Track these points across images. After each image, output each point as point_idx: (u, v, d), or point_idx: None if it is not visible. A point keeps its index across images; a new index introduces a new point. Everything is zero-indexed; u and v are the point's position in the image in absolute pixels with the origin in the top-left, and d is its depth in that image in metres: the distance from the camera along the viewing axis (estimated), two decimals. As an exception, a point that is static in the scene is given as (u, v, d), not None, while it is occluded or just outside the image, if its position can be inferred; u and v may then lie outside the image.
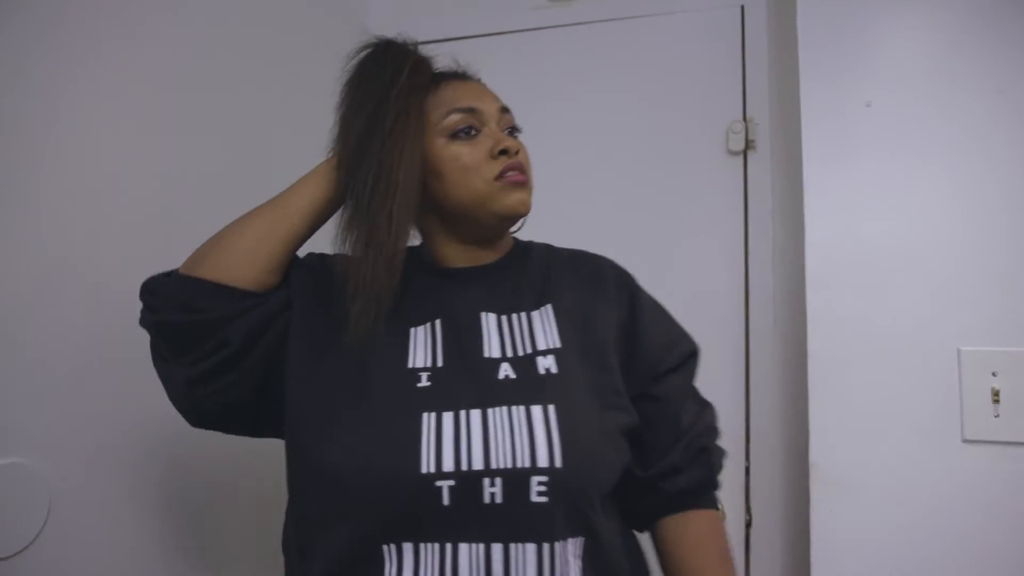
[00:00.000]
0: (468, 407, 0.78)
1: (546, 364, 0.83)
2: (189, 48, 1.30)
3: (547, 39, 1.89)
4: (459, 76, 0.97)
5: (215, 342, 0.84)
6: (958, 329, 1.31)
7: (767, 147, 1.72)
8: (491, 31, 1.94)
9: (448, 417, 0.77)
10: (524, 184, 0.89)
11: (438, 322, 0.89)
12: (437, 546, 0.74)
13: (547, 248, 1.02)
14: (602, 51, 1.87)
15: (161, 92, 1.22)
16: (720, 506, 0.94)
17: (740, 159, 1.75)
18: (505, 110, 0.94)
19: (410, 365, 0.84)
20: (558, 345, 0.86)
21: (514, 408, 0.78)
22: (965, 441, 1.28)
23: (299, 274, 0.92)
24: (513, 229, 0.98)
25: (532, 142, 0.98)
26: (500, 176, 0.88)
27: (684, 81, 1.81)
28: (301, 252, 0.95)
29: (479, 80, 0.99)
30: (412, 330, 0.88)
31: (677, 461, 0.90)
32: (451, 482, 0.74)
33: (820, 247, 1.41)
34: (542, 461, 0.75)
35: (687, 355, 0.96)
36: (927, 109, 1.38)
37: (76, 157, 1.05)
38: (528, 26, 1.91)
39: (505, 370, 0.83)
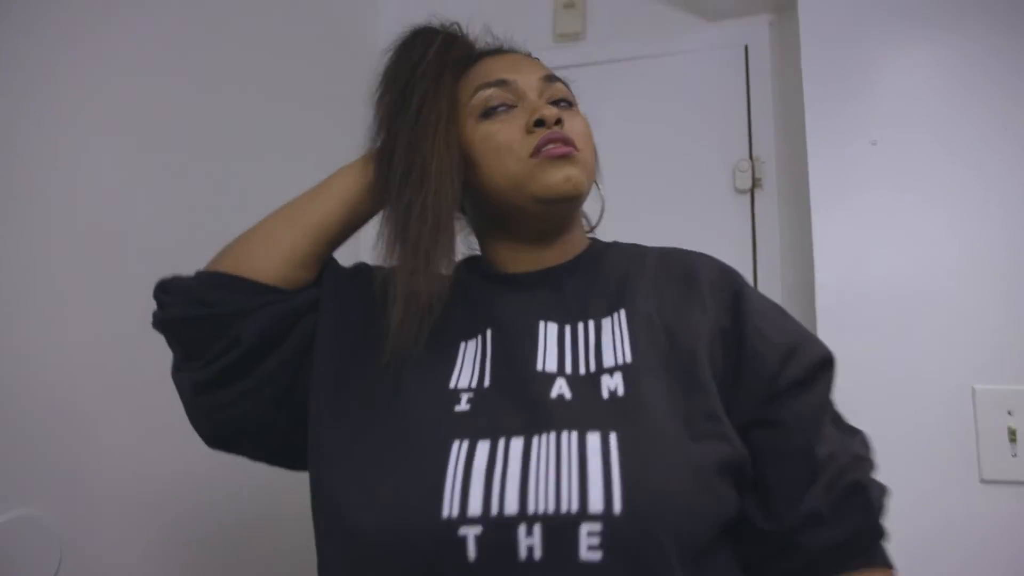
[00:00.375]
0: (509, 434, 0.62)
1: (612, 384, 0.66)
2: (197, 75, 1.32)
3: (553, 80, 1.91)
4: (496, 51, 0.84)
5: (226, 341, 0.73)
6: (972, 367, 1.29)
7: (774, 186, 1.73)
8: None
9: (483, 447, 0.61)
10: (568, 157, 0.73)
11: (489, 333, 0.74)
12: None
13: (632, 247, 0.84)
14: (608, 91, 1.89)
15: (167, 121, 1.25)
16: (892, 563, 0.68)
17: (747, 197, 1.75)
18: (551, 79, 0.80)
19: (452, 385, 0.70)
20: (628, 360, 0.68)
21: (564, 434, 0.60)
22: (983, 482, 1.26)
23: (334, 276, 0.81)
24: (584, 225, 0.85)
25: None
26: (536, 152, 0.73)
27: (690, 120, 1.82)
28: (344, 258, 0.87)
29: (524, 52, 0.85)
30: (462, 344, 0.74)
31: (818, 507, 0.65)
32: (478, 530, 0.57)
33: (830, 287, 1.41)
34: (595, 505, 0.57)
35: (816, 364, 0.70)
36: (932, 146, 1.38)
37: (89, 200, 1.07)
38: (534, 68, 1.92)
39: (559, 388, 0.66)
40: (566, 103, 0.80)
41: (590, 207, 0.87)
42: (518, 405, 0.65)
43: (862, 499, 0.65)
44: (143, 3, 1.22)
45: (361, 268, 0.84)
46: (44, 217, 1.02)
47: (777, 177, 1.73)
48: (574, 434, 0.61)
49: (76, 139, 1.07)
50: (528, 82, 0.78)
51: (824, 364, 0.72)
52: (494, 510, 0.58)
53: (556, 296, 0.77)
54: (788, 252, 1.67)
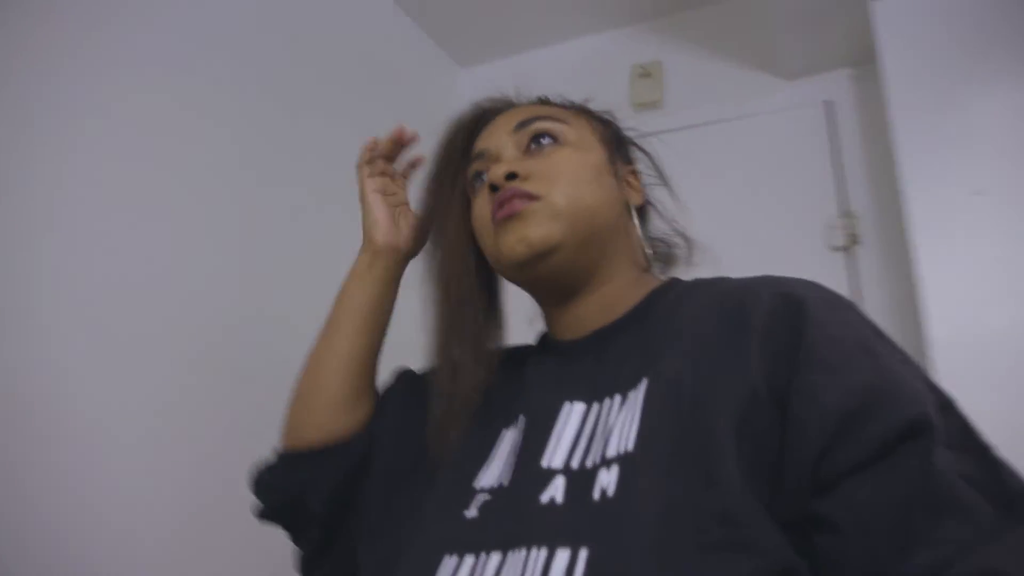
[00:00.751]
0: (491, 549, 0.55)
1: (606, 481, 0.52)
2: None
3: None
4: (490, 115, 0.76)
5: (304, 520, 0.73)
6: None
7: (874, 242, 1.66)
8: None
9: (467, 563, 0.55)
10: (514, 216, 0.64)
11: (521, 419, 0.65)
12: None
13: (698, 285, 0.67)
14: (690, 156, 1.87)
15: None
16: None
17: (841, 255, 1.69)
18: (524, 123, 0.70)
19: (476, 484, 0.62)
20: (630, 449, 0.53)
21: (534, 551, 0.51)
22: None
23: (386, 400, 0.79)
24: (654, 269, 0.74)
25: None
26: (493, 219, 0.67)
27: (775, 180, 1.79)
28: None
29: (512, 106, 0.77)
30: (502, 432, 0.66)
31: None
32: None
33: (943, 342, 1.32)
34: None
35: (897, 431, 0.46)
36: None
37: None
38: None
39: (554, 489, 0.55)
40: (547, 137, 0.69)
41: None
42: (513, 511, 0.57)
43: None
44: (210, 87, 1.30)
45: (407, 376, 0.81)
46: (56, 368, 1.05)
47: (877, 233, 1.66)
48: (543, 551, 0.51)
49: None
50: (500, 143, 0.71)
51: (914, 429, 0.46)
52: None
53: (596, 365, 0.65)
54: (895, 310, 1.59)
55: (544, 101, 0.77)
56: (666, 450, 0.52)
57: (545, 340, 0.75)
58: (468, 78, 2.21)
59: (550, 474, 0.57)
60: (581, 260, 0.66)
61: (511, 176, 0.66)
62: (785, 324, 0.54)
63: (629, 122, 0.80)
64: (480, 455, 0.65)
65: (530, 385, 0.68)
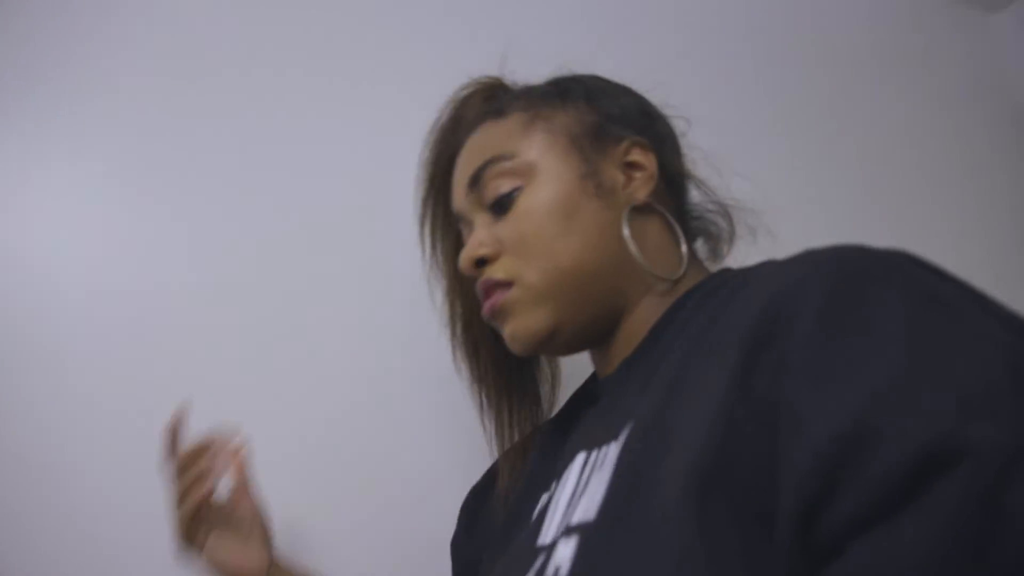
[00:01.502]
0: None
1: (562, 557, 0.44)
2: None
3: None
4: (463, 140, 0.67)
5: None
6: None
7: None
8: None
9: None
10: (498, 314, 0.59)
11: (554, 483, 0.56)
12: None
13: (730, 280, 0.53)
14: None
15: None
16: None
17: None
18: (473, 183, 0.61)
19: (539, 543, 0.51)
20: (591, 518, 0.43)
21: None
22: None
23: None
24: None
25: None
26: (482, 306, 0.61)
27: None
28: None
29: (472, 133, 0.66)
30: (541, 497, 0.58)
31: None
32: None
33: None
34: None
35: (909, 468, 0.30)
36: None
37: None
38: None
39: (535, 568, 0.47)
40: (503, 198, 0.59)
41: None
42: None
43: None
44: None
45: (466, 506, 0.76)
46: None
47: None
48: None
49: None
50: (464, 207, 0.63)
51: (931, 464, 0.30)
52: None
53: (608, 404, 0.56)
54: None
55: (496, 112, 0.65)
56: (636, 512, 0.40)
57: (590, 384, 0.66)
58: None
59: (539, 551, 0.48)
60: (586, 319, 0.58)
61: (481, 261, 0.59)
62: (768, 323, 0.38)
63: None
64: (518, 525, 0.58)
65: (563, 437, 0.61)
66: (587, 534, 0.42)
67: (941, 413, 0.31)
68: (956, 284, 0.38)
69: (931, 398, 0.31)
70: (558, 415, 0.66)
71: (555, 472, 0.56)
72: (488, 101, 0.67)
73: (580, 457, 0.51)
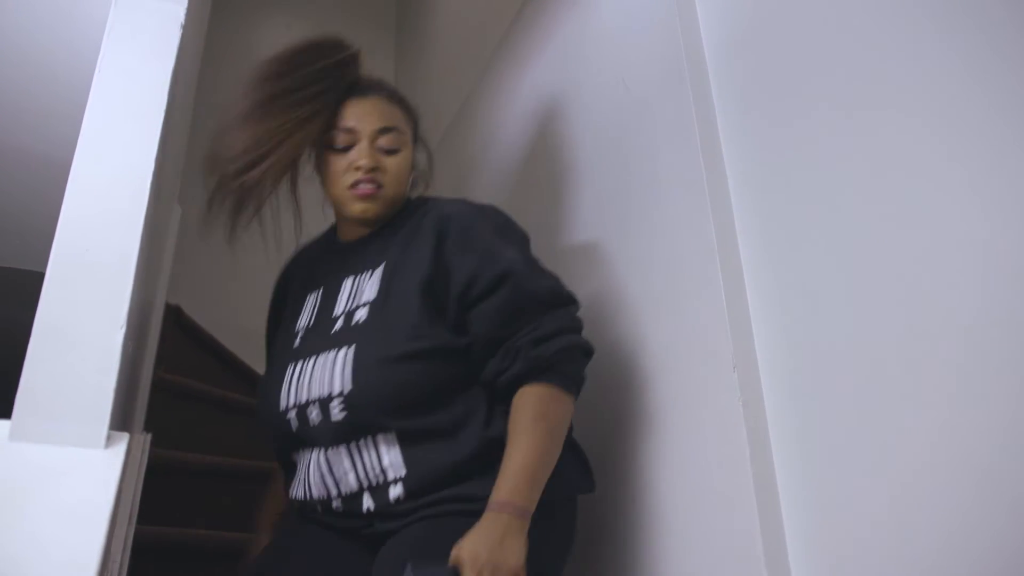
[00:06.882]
0: (307, 356, 1.10)
1: (359, 315, 1.10)
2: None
3: None
4: (361, 92, 1.20)
5: None
6: None
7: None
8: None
9: (298, 365, 1.10)
10: (369, 197, 1.14)
11: (320, 289, 1.20)
12: (305, 452, 1.10)
13: (421, 204, 1.22)
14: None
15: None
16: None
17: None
18: (385, 130, 1.17)
19: (296, 328, 1.18)
20: (372, 298, 1.10)
21: (330, 352, 1.07)
22: None
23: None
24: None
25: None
26: (353, 186, 1.14)
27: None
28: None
29: (381, 95, 1.21)
30: (307, 297, 1.21)
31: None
32: (292, 413, 1.08)
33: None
34: (337, 388, 1.03)
35: (496, 277, 1.07)
36: None
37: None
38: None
39: (338, 323, 1.12)
40: (391, 150, 1.17)
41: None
42: (317, 339, 1.12)
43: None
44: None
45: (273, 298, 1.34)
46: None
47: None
48: (332, 351, 1.07)
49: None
50: (365, 131, 1.16)
51: (504, 276, 1.09)
52: (299, 401, 1.07)
53: (359, 256, 1.19)
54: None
55: (389, 96, 1.22)
56: (390, 296, 1.09)
57: (332, 239, 1.27)
58: None
59: (336, 318, 1.13)
60: (390, 214, 1.21)
61: (373, 168, 1.14)
62: (436, 224, 1.12)
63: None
64: (296, 312, 1.21)
65: (326, 267, 1.22)
66: (372, 304, 1.10)
67: (502, 262, 1.08)
68: (515, 227, 1.18)
69: (498, 259, 1.08)
70: (304, 258, 1.30)
71: (317, 285, 1.21)
72: (380, 82, 1.25)
73: (349, 279, 1.16)
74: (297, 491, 1.11)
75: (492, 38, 2.04)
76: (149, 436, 1.07)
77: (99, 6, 1.20)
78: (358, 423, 1.03)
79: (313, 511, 1.11)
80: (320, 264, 1.24)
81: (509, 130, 1.86)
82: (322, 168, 1.18)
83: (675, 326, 1.15)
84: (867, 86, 0.94)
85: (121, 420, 1.03)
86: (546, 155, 1.64)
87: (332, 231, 1.28)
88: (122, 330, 0.92)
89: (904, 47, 0.89)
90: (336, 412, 1.03)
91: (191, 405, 1.94)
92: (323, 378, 1.05)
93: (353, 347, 1.04)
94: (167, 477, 1.59)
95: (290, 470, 1.16)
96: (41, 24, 1.43)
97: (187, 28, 1.11)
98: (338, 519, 1.08)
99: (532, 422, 1.00)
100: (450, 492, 1.01)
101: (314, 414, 1.05)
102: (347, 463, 1.04)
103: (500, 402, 1.06)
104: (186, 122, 1.60)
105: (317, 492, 1.07)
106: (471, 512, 0.95)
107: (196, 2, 1.18)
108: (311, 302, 1.19)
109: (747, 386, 1.02)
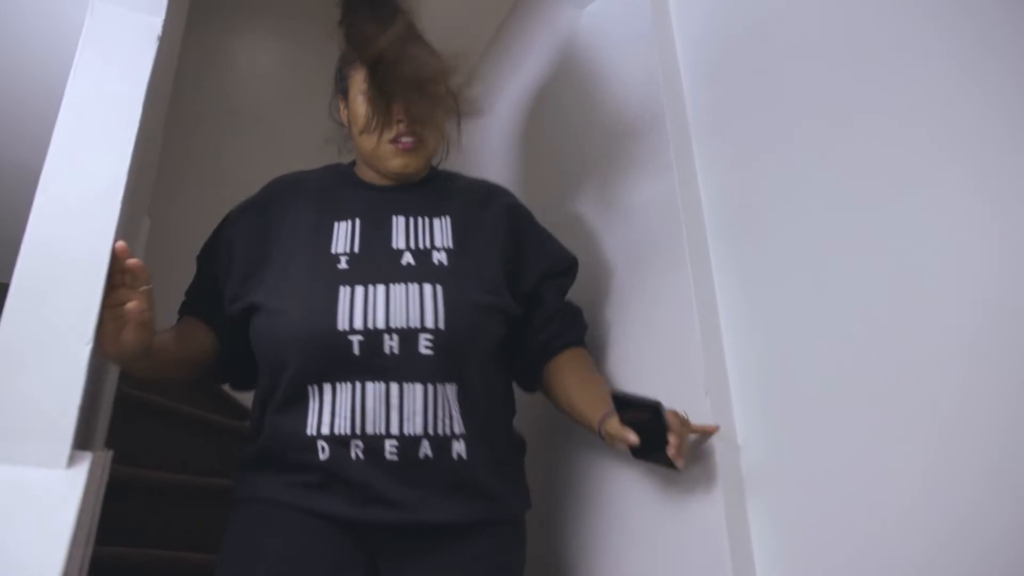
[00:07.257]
0: (371, 282, 1.05)
1: (438, 257, 1.11)
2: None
3: None
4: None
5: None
6: None
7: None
8: None
9: (358, 290, 1.04)
10: (413, 147, 1.14)
11: (357, 220, 1.14)
12: (356, 382, 1.01)
13: (450, 176, 1.26)
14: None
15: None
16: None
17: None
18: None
19: (332, 251, 1.10)
20: (450, 246, 1.13)
21: (411, 285, 1.05)
22: None
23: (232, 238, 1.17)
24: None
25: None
26: (394, 140, 1.13)
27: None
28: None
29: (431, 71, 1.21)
30: (335, 223, 1.14)
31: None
32: (358, 337, 1.01)
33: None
34: (429, 323, 1.02)
35: (564, 267, 1.25)
36: None
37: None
38: None
39: (407, 258, 1.10)
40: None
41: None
42: (380, 267, 1.07)
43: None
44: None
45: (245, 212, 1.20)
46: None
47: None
48: (416, 285, 1.05)
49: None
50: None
51: (572, 268, 1.28)
52: (370, 325, 1.02)
53: (403, 198, 1.18)
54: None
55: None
56: (468, 250, 1.13)
57: (350, 176, 1.23)
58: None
59: (400, 252, 1.11)
60: (427, 167, 1.23)
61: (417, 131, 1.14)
62: (509, 210, 1.23)
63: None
64: (309, 234, 1.13)
65: (356, 200, 1.17)
66: (451, 251, 1.12)
67: (568, 251, 1.27)
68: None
69: (564, 248, 1.27)
70: (305, 186, 1.21)
71: (346, 215, 1.15)
72: None
73: (400, 218, 1.15)
74: (329, 424, 1.00)
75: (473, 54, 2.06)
76: (111, 453, 1.03)
77: (76, 7, 1.16)
78: (448, 363, 1.02)
79: (338, 454, 0.99)
80: (341, 194, 1.18)
81: (484, 156, 1.87)
82: (357, 119, 1.15)
83: (650, 352, 1.18)
84: (843, 105, 0.97)
85: (83, 437, 1.00)
86: (524, 185, 1.65)
87: (346, 169, 1.25)
88: (88, 346, 0.89)
89: (885, 64, 0.93)
90: (423, 347, 1.01)
91: (153, 421, 1.90)
92: (407, 309, 1.03)
93: (440, 286, 1.05)
94: (126, 496, 1.55)
95: (293, 397, 1.03)
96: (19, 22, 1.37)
97: (163, 41, 1.10)
98: (366, 471, 0.99)
99: (597, 372, 1.20)
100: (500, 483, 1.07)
101: (393, 343, 1.01)
102: (420, 402, 1.00)
103: (532, 360, 1.19)
104: (159, 133, 1.58)
105: (373, 427, 0.99)
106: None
107: (173, 12, 1.16)
108: (344, 229, 1.13)
109: (720, 411, 1.04)
